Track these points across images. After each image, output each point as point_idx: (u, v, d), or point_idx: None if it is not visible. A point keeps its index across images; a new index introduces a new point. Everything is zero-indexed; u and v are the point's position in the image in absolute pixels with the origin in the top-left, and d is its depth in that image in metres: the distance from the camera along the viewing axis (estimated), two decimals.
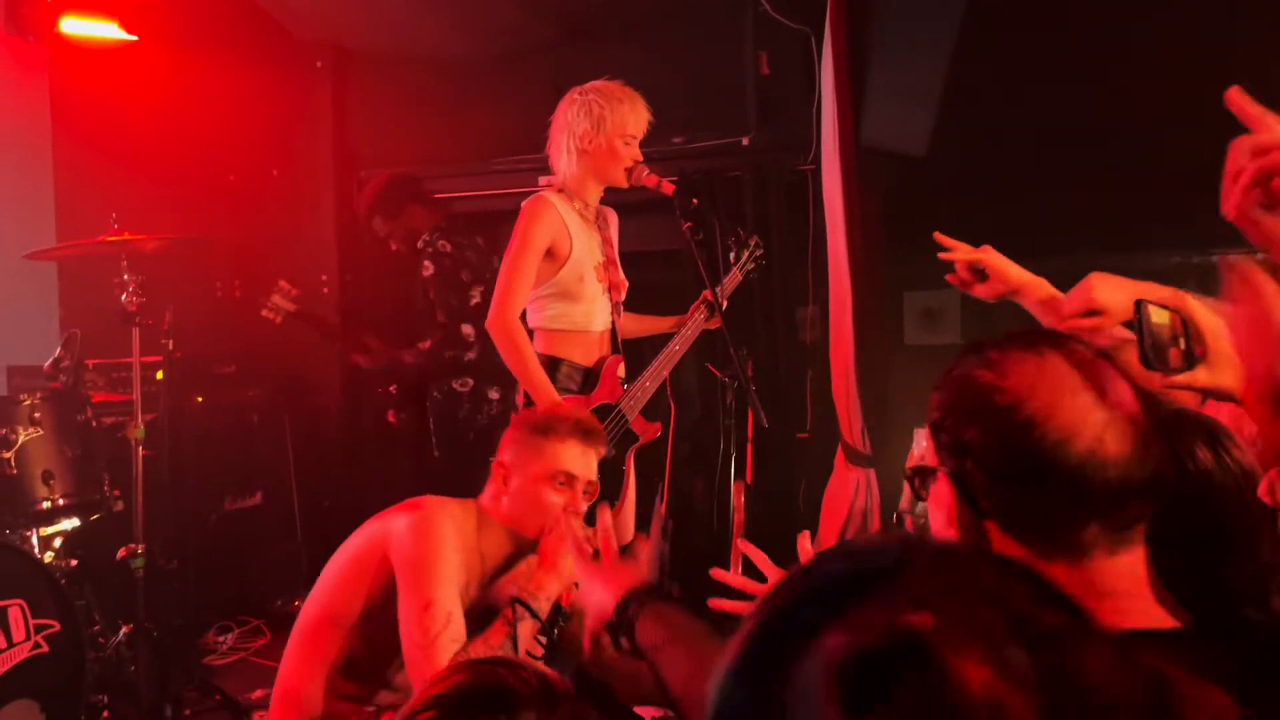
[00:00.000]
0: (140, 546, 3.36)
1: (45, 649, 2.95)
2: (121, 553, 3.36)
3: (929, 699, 0.54)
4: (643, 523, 3.34)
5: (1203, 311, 1.27)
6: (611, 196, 3.24)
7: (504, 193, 4.55)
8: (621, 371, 3.19)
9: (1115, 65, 3.62)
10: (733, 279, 3.46)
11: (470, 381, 4.33)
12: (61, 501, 3.23)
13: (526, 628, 2.18)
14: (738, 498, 3.40)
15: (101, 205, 3.68)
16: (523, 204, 3.07)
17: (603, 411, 3.09)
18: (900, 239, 3.98)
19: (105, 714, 3.19)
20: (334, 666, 2.26)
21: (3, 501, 3.13)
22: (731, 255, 3.48)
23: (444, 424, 4.36)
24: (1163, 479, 1.03)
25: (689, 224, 3.13)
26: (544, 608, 2.21)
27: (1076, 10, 3.64)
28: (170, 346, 3.58)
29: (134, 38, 4.62)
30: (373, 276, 5.06)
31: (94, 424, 3.42)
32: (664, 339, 3.31)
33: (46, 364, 3.43)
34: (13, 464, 3.13)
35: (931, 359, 4.16)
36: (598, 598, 1.54)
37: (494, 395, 4.33)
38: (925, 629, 0.56)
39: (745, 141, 4.35)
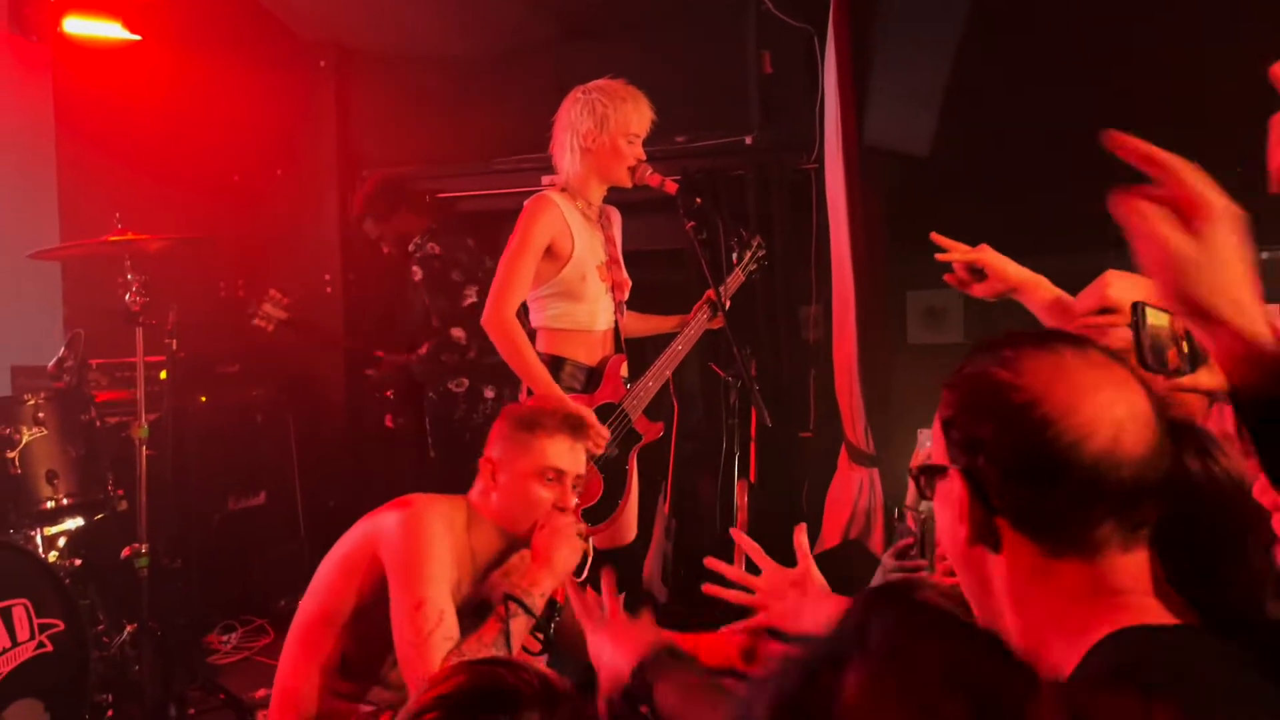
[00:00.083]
0: (144, 546, 3.36)
1: (49, 648, 2.96)
2: (125, 552, 3.37)
3: None
4: (645, 523, 3.34)
5: None
6: (615, 195, 3.24)
7: (506, 192, 4.57)
8: (625, 371, 3.18)
9: (1118, 66, 3.61)
10: (736, 278, 3.46)
11: (465, 381, 4.33)
12: (65, 501, 3.24)
13: (520, 624, 2.17)
14: (741, 497, 3.39)
15: (105, 205, 3.68)
16: (525, 203, 3.07)
17: (606, 411, 3.08)
18: (903, 238, 3.98)
19: (110, 713, 3.20)
20: (329, 665, 2.26)
21: (7, 501, 3.14)
22: (734, 254, 3.49)
23: (440, 424, 4.38)
24: (1175, 480, 1.03)
25: (692, 223, 3.13)
26: (538, 604, 2.21)
27: (1079, 11, 3.63)
28: (174, 346, 3.58)
29: (137, 37, 4.63)
30: (376, 276, 5.06)
31: (98, 424, 3.43)
32: (667, 338, 3.30)
33: (50, 364, 3.44)
34: (17, 464, 3.14)
35: (934, 358, 4.17)
36: (609, 659, 1.53)
37: (489, 394, 4.33)
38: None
39: (748, 140, 4.35)
